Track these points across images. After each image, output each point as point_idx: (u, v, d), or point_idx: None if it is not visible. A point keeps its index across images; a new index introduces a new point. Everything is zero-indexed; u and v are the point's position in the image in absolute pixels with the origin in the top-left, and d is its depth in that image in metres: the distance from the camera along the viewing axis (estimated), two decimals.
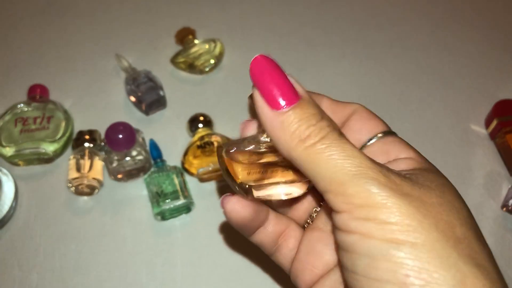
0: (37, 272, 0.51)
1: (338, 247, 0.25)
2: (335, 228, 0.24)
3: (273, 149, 0.28)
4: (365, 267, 0.23)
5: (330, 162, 0.23)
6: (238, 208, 0.30)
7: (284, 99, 0.24)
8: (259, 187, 0.29)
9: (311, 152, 0.24)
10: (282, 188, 0.29)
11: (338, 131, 0.25)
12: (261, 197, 0.29)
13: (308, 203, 0.34)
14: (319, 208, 0.33)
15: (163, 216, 0.54)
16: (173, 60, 0.66)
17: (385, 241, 0.22)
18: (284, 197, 0.29)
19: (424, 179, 0.25)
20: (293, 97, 0.24)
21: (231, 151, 0.28)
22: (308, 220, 0.33)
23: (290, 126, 0.24)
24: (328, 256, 0.30)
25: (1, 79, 0.64)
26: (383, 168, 0.24)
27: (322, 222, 0.32)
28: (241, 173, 0.28)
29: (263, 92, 0.24)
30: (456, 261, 0.21)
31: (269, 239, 0.32)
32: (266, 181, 0.29)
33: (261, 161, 0.29)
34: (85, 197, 0.56)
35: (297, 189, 0.29)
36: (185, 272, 0.51)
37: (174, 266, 0.52)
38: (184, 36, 0.66)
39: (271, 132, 0.25)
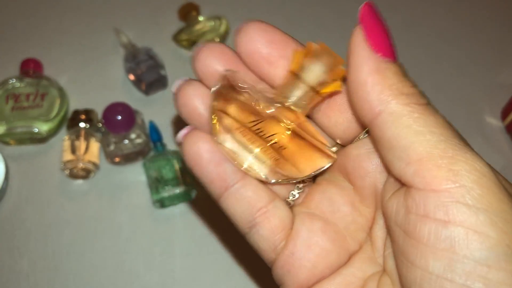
0: (28, 258, 0.48)
1: (411, 241, 0.20)
2: (414, 214, 0.20)
3: (294, 122, 0.23)
4: (466, 274, 0.18)
5: (437, 127, 0.19)
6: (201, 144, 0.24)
7: (392, 50, 0.22)
8: (232, 138, 0.24)
9: (413, 110, 0.20)
10: (252, 159, 0.24)
11: None
12: (223, 146, 0.24)
13: None
14: (302, 186, 0.26)
15: (162, 203, 0.51)
16: (176, 38, 0.62)
17: (503, 246, 0.18)
18: (243, 168, 0.24)
19: None
20: (395, 55, 0.22)
21: (239, 84, 0.23)
22: (290, 199, 0.26)
23: (393, 76, 0.21)
24: (335, 255, 0.24)
25: None
26: None
27: (319, 208, 0.25)
28: (230, 109, 0.24)
29: (373, 34, 0.21)
30: None
31: (242, 208, 0.25)
32: (242, 139, 0.24)
33: (258, 125, 0.24)
34: (80, 181, 0.53)
35: (265, 172, 0.24)
36: (184, 262, 0.49)
37: (173, 256, 0.49)
38: (188, 12, 0.63)
39: (366, 77, 0.21)
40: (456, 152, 0.19)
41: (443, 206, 0.19)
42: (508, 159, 0.56)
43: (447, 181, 0.19)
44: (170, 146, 0.54)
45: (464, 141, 0.20)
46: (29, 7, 0.65)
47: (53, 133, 0.54)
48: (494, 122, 0.59)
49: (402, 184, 0.21)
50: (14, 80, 0.55)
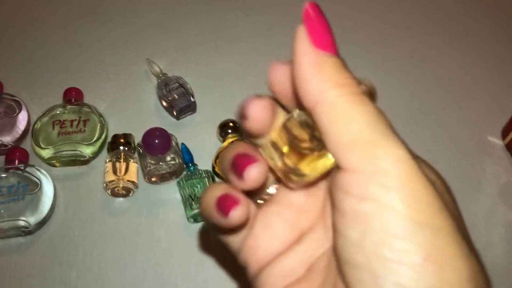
0: (76, 270, 0.53)
1: (338, 214, 0.23)
2: (339, 191, 0.22)
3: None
4: (376, 243, 0.21)
5: (365, 116, 0.22)
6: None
7: (332, 45, 0.24)
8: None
9: (346, 100, 0.22)
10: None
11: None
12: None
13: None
14: (277, 185, 0.29)
15: (195, 218, 0.56)
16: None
17: (409, 220, 0.20)
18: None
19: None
20: (336, 49, 0.24)
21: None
22: (262, 197, 0.29)
23: (331, 69, 0.23)
24: (288, 233, 0.27)
25: (36, 81, 0.66)
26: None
27: (279, 195, 0.28)
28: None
29: (315, 30, 0.23)
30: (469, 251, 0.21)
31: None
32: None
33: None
34: (121, 199, 0.58)
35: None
36: (218, 273, 0.54)
37: (207, 267, 0.54)
38: None
39: (306, 69, 0.23)
40: (379, 139, 0.21)
41: (361, 185, 0.21)
42: (509, 175, 0.61)
43: (367, 164, 0.21)
44: (201, 166, 0.60)
45: (391, 129, 0.22)
46: (69, 40, 0.71)
47: (95, 155, 0.60)
48: (495, 140, 0.64)
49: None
50: (59, 107, 0.60)
